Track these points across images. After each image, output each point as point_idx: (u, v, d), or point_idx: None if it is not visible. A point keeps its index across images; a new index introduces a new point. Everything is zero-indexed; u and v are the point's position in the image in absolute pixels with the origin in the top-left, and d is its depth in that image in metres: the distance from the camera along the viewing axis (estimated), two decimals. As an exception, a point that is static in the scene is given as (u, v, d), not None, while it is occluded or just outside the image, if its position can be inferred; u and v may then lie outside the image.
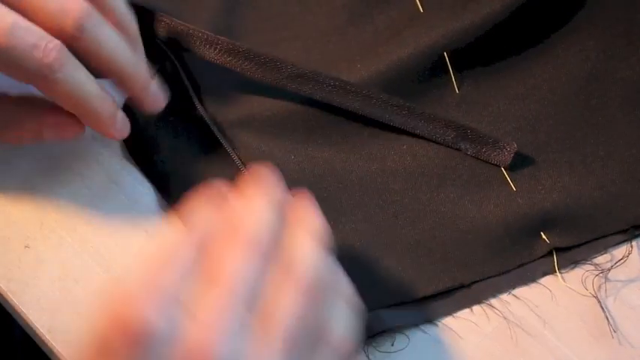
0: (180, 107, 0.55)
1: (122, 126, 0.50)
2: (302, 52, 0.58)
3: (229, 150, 0.53)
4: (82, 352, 0.38)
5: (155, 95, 0.52)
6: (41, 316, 0.50)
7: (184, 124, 0.55)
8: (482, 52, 0.56)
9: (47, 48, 0.45)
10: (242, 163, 0.53)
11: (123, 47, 0.49)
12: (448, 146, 0.54)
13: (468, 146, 0.54)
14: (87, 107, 0.48)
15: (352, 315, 0.41)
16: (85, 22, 0.46)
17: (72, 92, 0.47)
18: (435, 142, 0.54)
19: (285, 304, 0.38)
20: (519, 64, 0.57)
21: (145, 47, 0.53)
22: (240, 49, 0.53)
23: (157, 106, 0.52)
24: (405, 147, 0.55)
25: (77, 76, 0.47)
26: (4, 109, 0.51)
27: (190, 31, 0.54)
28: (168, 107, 0.53)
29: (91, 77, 0.48)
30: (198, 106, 0.54)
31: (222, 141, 0.54)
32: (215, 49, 0.54)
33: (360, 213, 0.53)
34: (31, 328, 0.50)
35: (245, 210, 0.41)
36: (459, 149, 0.53)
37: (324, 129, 0.54)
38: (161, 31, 0.55)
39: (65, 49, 0.46)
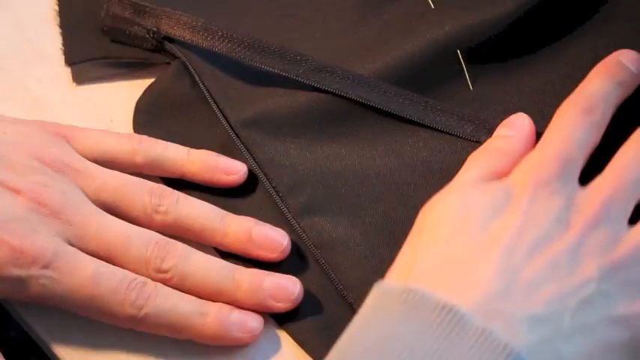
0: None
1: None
2: (314, 52, 0.57)
3: (243, 150, 0.53)
4: None
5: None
6: (41, 316, 0.49)
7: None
8: (495, 48, 0.56)
9: (129, 288, 0.45)
10: (257, 163, 0.53)
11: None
12: (467, 139, 0.53)
13: (486, 139, 0.53)
14: (188, 326, 0.46)
15: None
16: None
17: (167, 321, 0.46)
18: (453, 135, 0.54)
19: None
20: (533, 60, 0.57)
21: (155, 47, 0.56)
22: (261, 44, 0.54)
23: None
24: (421, 143, 0.54)
25: (169, 303, 0.46)
26: None
27: (209, 26, 0.54)
28: None
29: (186, 296, 0.47)
30: (213, 105, 0.54)
31: (236, 141, 0.53)
32: (233, 42, 0.54)
33: (379, 208, 0.51)
34: (31, 328, 0.49)
35: None
36: (478, 142, 0.53)
37: (339, 126, 0.54)
38: (171, 29, 0.55)
39: (150, 283, 0.46)
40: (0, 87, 0.57)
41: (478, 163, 0.47)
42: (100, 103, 0.57)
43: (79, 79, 0.57)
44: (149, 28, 0.56)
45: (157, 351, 0.48)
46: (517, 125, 0.49)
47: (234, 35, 0.55)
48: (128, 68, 0.58)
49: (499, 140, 0.49)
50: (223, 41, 0.54)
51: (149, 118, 0.55)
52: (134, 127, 0.55)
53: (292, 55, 0.54)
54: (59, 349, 0.48)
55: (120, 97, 0.57)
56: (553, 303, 0.39)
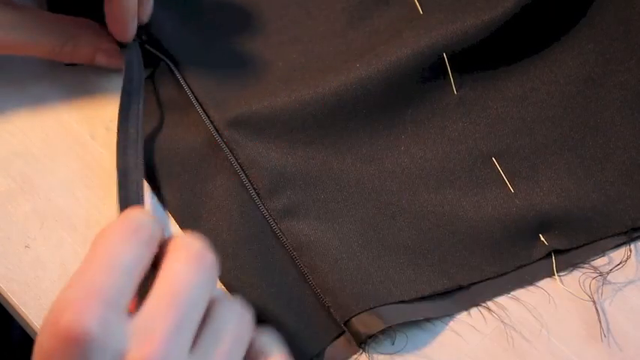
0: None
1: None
2: (301, 54, 0.58)
3: (226, 150, 0.54)
4: None
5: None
6: (41, 316, 0.50)
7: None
8: (481, 54, 0.56)
9: None
10: (239, 164, 0.53)
11: None
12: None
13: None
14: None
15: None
16: None
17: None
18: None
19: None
20: (518, 66, 0.57)
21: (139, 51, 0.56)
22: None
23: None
24: (402, 148, 0.55)
25: None
26: (64, 26, 0.54)
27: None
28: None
29: None
30: (196, 105, 0.55)
31: (221, 143, 0.54)
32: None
33: (357, 214, 0.53)
34: (31, 328, 0.51)
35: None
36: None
37: (321, 129, 0.55)
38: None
39: None
40: (0, 87, 0.58)
41: None
42: (100, 103, 0.58)
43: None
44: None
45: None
46: None
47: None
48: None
49: None
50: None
51: None
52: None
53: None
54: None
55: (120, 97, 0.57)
56: None
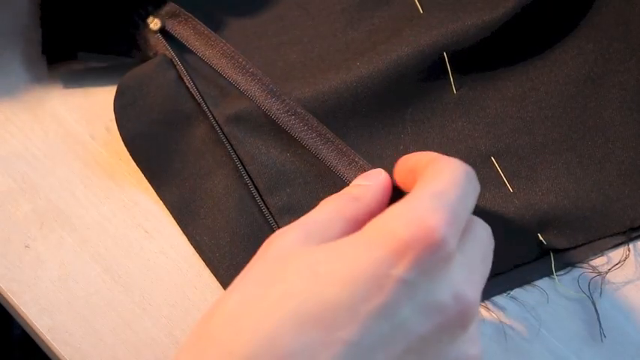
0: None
1: None
2: (301, 54, 0.58)
3: (227, 146, 0.54)
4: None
5: None
6: (41, 316, 0.50)
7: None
8: (481, 54, 0.56)
9: None
10: (240, 160, 0.53)
11: None
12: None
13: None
14: None
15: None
16: None
17: None
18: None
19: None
20: (517, 66, 0.57)
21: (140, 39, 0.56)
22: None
23: None
24: (402, 147, 0.55)
25: None
26: None
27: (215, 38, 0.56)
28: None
29: None
30: (199, 99, 0.55)
31: (222, 137, 0.54)
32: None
33: (357, 213, 0.53)
34: (31, 328, 0.51)
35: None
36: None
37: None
38: (178, 26, 0.57)
39: None
40: (0, 87, 0.58)
41: (328, 205, 0.45)
42: (100, 103, 0.58)
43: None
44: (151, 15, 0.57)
45: (157, 351, 0.50)
46: (373, 176, 0.47)
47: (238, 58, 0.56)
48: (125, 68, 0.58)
49: (354, 188, 0.47)
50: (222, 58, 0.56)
51: (131, 101, 0.55)
52: (115, 108, 0.55)
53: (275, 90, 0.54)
54: (59, 349, 0.50)
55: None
56: None
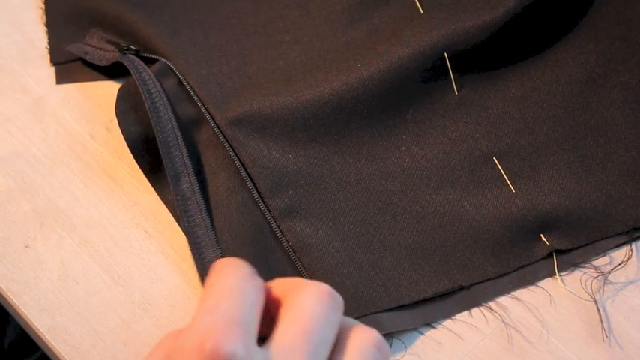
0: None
1: None
2: (302, 54, 0.58)
3: (228, 149, 0.53)
4: None
5: None
6: (41, 316, 0.50)
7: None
8: (482, 54, 0.56)
9: None
10: (241, 163, 0.53)
11: None
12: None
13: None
14: None
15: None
16: None
17: None
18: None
19: None
20: (519, 66, 0.57)
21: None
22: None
23: None
24: (403, 148, 0.55)
25: None
26: None
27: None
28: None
29: None
30: (199, 103, 0.55)
31: (223, 140, 0.54)
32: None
33: (359, 214, 0.53)
34: (31, 328, 0.51)
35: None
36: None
37: (322, 128, 0.54)
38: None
39: None
40: (0, 87, 0.58)
41: None
42: (100, 103, 0.58)
43: (63, 79, 0.58)
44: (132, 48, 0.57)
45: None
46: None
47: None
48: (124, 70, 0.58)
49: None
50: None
51: (132, 105, 0.55)
52: (116, 114, 0.55)
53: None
54: (59, 349, 0.50)
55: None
56: None
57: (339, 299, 0.40)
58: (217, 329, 0.36)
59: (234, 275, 0.39)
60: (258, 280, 0.39)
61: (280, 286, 0.41)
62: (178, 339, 0.37)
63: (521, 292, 0.52)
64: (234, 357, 0.35)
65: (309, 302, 0.39)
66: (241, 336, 0.36)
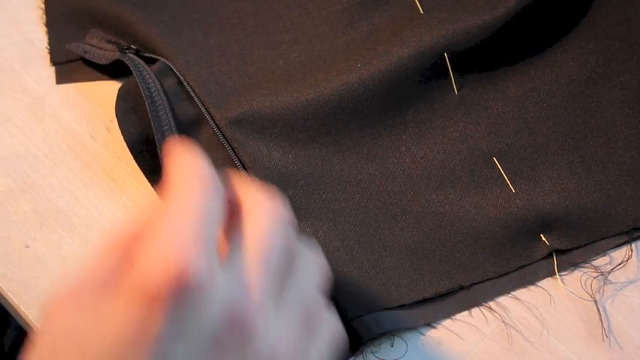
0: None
1: None
2: (302, 54, 0.58)
3: (228, 149, 0.53)
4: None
5: None
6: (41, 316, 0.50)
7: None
8: (482, 54, 0.56)
9: None
10: (241, 163, 0.53)
11: None
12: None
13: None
14: None
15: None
16: None
17: None
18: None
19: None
20: (519, 66, 0.57)
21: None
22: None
23: None
24: (403, 148, 0.55)
25: None
26: None
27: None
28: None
29: None
30: (199, 103, 0.55)
31: (223, 140, 0.54)
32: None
33: (359, 215, 0.53)
34: (31, 328, 0.51)
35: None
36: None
37: (322, 128, 0.54)
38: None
39: None
40: (0, 87, 0.58)
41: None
42: (100, 103, 0.58)
43: (63, 79, 0.58)
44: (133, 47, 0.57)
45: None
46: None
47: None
48: (125, 69, 0.58)
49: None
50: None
51: (132, 105, 0.55)
52: (116, 114, 0.55)
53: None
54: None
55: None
56: None
57: (288, 216, 0.40)
58: (184, 251, 0.34)
59: (200, 190, 0.37)
60: (220, 191, 0.38)
61: (235, 192, 0.40)
62: (141, 255, 0.35)
63: (521, 292, 0.52)
64: (199, 279, 0.34)
65: (264, 223, 0.38)
66: (205, 258, 0.35)
